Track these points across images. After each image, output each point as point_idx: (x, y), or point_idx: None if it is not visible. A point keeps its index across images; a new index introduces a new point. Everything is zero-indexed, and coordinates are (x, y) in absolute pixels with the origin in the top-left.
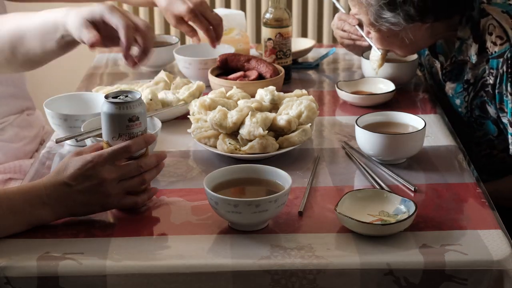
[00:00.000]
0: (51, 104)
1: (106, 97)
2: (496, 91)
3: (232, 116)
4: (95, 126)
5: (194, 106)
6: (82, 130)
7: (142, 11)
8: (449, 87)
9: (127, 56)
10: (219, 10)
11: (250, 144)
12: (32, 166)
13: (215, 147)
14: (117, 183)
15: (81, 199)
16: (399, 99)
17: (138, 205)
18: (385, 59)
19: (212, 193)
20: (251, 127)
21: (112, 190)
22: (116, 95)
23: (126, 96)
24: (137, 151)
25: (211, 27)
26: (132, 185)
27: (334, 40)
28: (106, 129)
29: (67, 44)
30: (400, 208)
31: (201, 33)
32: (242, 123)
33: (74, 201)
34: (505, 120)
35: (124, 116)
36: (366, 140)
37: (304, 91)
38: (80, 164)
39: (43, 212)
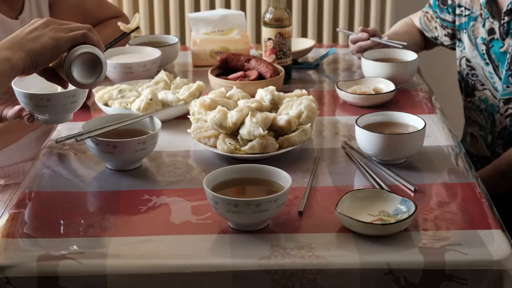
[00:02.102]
0: (21, 82)
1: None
2: None
3: (232, 116)
4: (95, 126)
5: (194, 106)
6: (82, 129)
7: (142, 11)
8: (508, 43)
9: None
10: (219, 10)
11: (250, 144)
12: (33, 166)
13: (215, 147)
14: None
15: (31, 36)
16: (399, 99)
17: (86, 36)
18: None
19: (212, 193)
20: (251, 127)
21: (56, 25)
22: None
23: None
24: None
25: None
26: (76, 28)
27: (334, 40)
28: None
29: None
30: (400, 208)
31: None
32: (242, 123)
33: (25, 39)
34: None
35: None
36: (366, 140)
37: (304, 91)
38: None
39: (2, 53)
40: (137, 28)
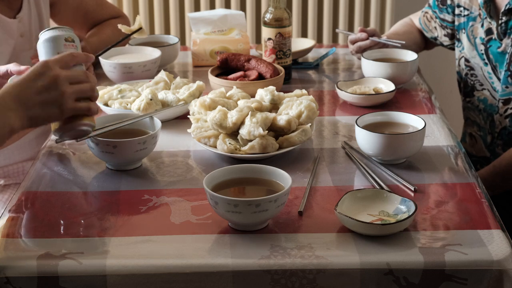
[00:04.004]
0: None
1: (42, 32)
2: None
3: (232, 116)
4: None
5: (194, 106)
6: None
7: (142, 11)
8: (506, 43)
9: None
10: (219, 10)
11: (250, 144)
12: (32, 166)
13: (215, 147)
14: (70, 84)
15: (38, 99)
16: (399, 99)
17: (91, 111)
18: None
19: (212, 193)
20: (251, 127)
21: (65, 88)
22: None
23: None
24: (81, 62)
25: None
26: (83, 90)
27: (334, 40)
28: (46, 54)
29: None
30: (400, 208)
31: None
32: (242, 123)
33: (33, 102)
34: None
35: (61, 37)
36: (366, 140)
37: (304, 91)
38: (32, 68)
39: (5, 119)
40: (140, 29)
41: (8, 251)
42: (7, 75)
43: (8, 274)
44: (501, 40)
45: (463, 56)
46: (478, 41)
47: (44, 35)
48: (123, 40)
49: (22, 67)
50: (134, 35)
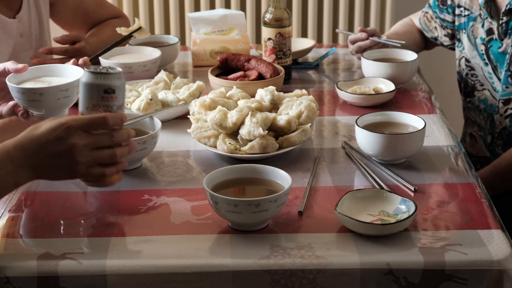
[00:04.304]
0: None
1: (87, 68)
2: None
3: (232, 116)
4: None
5: (194, 106)
6: None
7: (142, 11)
8: (506, 43)
9: None
10: (219, 10)
11: (250, 144)
12: None
13: (215, 147)
14: (88, 152)
15: (49, 163)
16: (399, 99)
17: (105, 176)
18: None
19: (212, 193)
20: (251, 127)
21: (80, 157)
22: (97, 67)
23: (107, 70)
24: (112, 125)
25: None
26: (102, 157)
27: (334, 40)
28: (81, 99)
29: None
30: (400, 208)
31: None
32: (242, 123)
33: (43, 164)
34: None
35: (100, 87)
36: (366, 140)
37: (304, 91)
38: (54, 125)
39: (14, 175)
40: (139, 28)
41: (8, 251)
42: (5, 73)
43: (8, 274)
44: (502, 40)
45: (463, 56)
46: (478, 41)
47: (84, 76)
48: (123, 40)
49: (20, 65)
50: (135, 35)
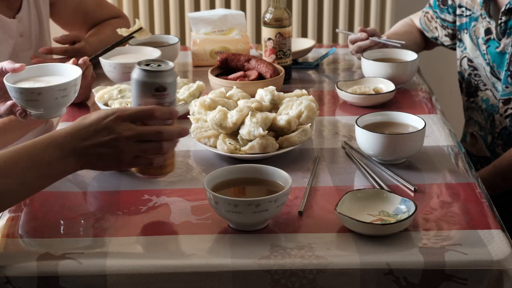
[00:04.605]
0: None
1: (138, 63)
2: None
3: (232, 116)
4: None
5: (194, 106)
6: None
7: (142, 11)
8: (505, 43)
9: None
10: (219, 10)
11: (250, 144)
12: None
13: (215, 147)
14: (134, 143)
15: (97, 151)
16: (399, 99)
17: (151, 165)
18: None
19: (212, 193)
20: (251, 127)
21: (126, 147)
22: (148, 62)
23: (159, 65)
24: (160, 119)
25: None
26: (148, 149)
27: (334, 40)
28: (133, 96)
29: None
30: (400, 208)
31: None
32: (242, 123)
33: (90, 152)
34: None
35: (152, 85)
36: (366, 140)
37: (304, 91)
38: (102, 115)
39: (62, 162)
40: (140, 29)
41: (8, 251)
42: (2, 72)
43: (8, 274)
44: (500, 40)
45: (465, 56)
46: (480, 41)
47: (136, 73)
48: (124, 41)
49: (17, 65)
50: (135, 36)
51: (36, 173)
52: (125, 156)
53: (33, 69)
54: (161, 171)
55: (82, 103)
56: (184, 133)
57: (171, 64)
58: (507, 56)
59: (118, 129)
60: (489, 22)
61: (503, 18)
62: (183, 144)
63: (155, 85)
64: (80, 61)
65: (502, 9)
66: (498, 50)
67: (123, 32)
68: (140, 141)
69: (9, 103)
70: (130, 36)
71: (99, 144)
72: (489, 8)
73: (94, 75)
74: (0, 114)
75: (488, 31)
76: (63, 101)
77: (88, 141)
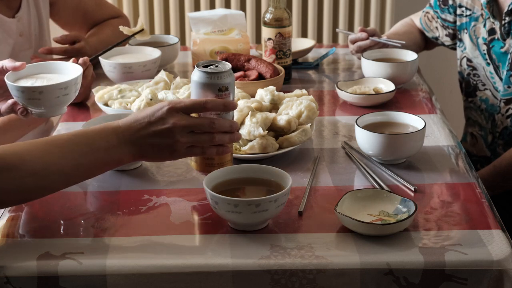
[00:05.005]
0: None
1: (197, 65)
2: None
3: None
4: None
5: None
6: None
7: (142, 11)
8: (509, 43)
9: None
10: (219, 10)
11: (250, 144)
12: None
13: None
14: (187, 133)
15: (152, 141)
16: (399, 99)
17: (204, 155)
18: None
19: (212, 193)
20: (251, 127)
21: (180, 137)
22: (206, 64)
23: (217, 66)
24: (212, 110)
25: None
26: (201, 140)
27: (334, 40)
28: (195, 97)
29: None
30: (400, 208)
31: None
32: (242, 123)
33: (145, 142)
34: None
35: (214, 86)
36: (366, 140)
37: (304, 91)
38: (157, 107)
39: (119, 150)
40: (142, 30)
41: (8, 251)
42: (3, 71)
43: (8, 274)
44: (504, 40)
45: (465, 56)
46: (480, 41)
47: (196, 75)
48: (124, 41)
49: (18, 63)
50: (136, 37)
51: (92, 158)
52: (178, 146)
53: (33, 67)
54: (221, 163)
55: (82, 103)
56: (235, 126)
57: (228, 64)
58: (509, 56)
59: (172, 119)
60: (493, 22)
61: (507, 19)
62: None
63: (218, 86)
64: (80, 61)
65: (505, 10)
66: (503, 50)
67: (125, 30)
68: (193, 132)
69: (10, 101)
70: (131, 37)
71: (154, 133)
72: (493, 8)
73: (94, 75)
74: (1, 112)
75: (492, 31)
76: (64, 100)
77: (143, 131)
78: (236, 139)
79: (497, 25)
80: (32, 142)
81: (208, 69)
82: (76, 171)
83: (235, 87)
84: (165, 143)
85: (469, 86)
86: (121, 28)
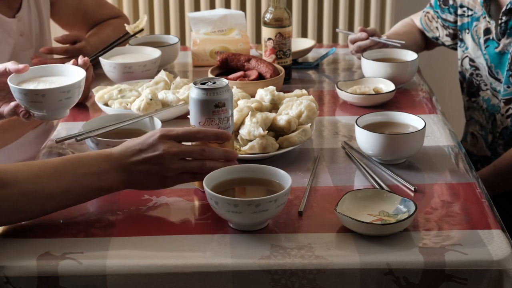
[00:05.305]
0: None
1: (195, 83)
2: None
3: None
4: (95, 126)
5: None
6: (82, 129)
7: (142, 11)
8: (504, 43)
9: None
10: (219, 10)
11: (250, 144)
12: None
13: None
14: (178, 160)
15: (142, 168)
16: (399, 99)
17: (196, 180)
18: None
19: (212, 193)
20: (251, 127)
21: (170, 164)
22: (203, 81)
23: (214, 83)
24: (203, 140)
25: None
26: (191, 167)
27: (334, 40)
28: (193, 114)
29: None
30: (400, 208)
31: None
32: (242, 123)
33: (136, 168)
34: None
35: (211, 102)
36: (366, 140)
37: (304, 91)
38: (149, 135)
39: (110, 176)
40: (142, 30)
41: (8, 251)
42: (6, 73)
43: (8, 274)
44: (499, 40)
45: (466, 56)
46: (482, 41)
47: (193, 92)
48: (125, 40)
49: (21, 66)
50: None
51: (82, 184)
52: (169, 173)
53: (36, 70)
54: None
55: (82, 104)
56: (228, 155)
57: (225, 80)
58: (508, 56)
59: (163, 146)
60: (488, 22)
61: (504, 18)
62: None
63: (214, 102)
64: (80, 62)
65: (503, 9)
66: (497, 50)
67: (128, 27)
68: (184, 159)
69: (12, 104)
70: (131, 36)
71: (144, 160)
72: (489, 8)
73: (93, 75)
74: (4, 115)
75: (487, 31)
76: (67, 103)
77: (134, 157)
78: (227, 157)
79: (492, 25)
80: (27, 163)
81: (204, 86)
82: (66, 195)
83: (235, 87)
84: (155, 169)
85: (471, 86)
86: (125, 25)
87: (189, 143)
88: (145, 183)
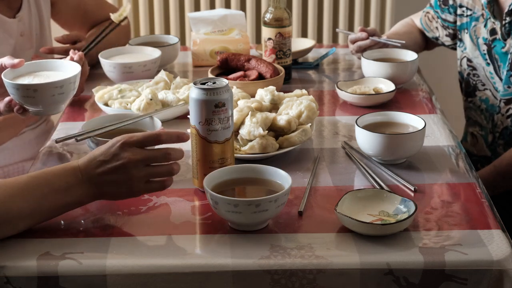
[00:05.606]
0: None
1: (195, 83)
2: None
3: None
4: (95, 126)
5: None
6: (82, 129)
7: (142, 11)
8: (510, 43)
9: None
10: (219, 10)
11: (250, 144)
12: (33, 166)
13: None
14: (144, 167)
15: (109, 178)
16: (399, 99)
17: (165, 188)
18: None
19: (212, 193)
20: (251, 127)
21: (136, 172)
22: (203, 81)
23: (214, 83)
24: (166, 143)
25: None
26: (159, 172)
27: (334, 40)
28: (193, 114)
29: None
30: (400, 208)
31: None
32: (242, 123)
33: (103, 180)
34: None
35: (211, 102)
36: (366, 140)
37: (304, 91)
38: (110, 143)
39: (78, 190)
40: (125, 18)
41: (8, 251)
42: (2, 68)
43: (8, 274)
44: (505, 40)
45: (465, 56)
46: (480, 41)
47: (193, 92)
48: (111, 30)
49: (16, 60)
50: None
51: (52, 200)
52: (136, 182)
53: (33, 65)
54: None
55: (82, 104)
56: (182, 137)
57: (225, 80)
58: (509, 56)
59: (125, 154)
60: (494, 22)
61: (507, 19)
62: (183, 144)
63: (214, 102)
64: (76, 57)
65: (506, 10)
66: (504, 50)
67: (116, 17)
68: (150, 165)
69: (6, 99)
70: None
71: (109, 170)
72: (493, 9)
73: (88, 69)
74: (1, 111)
75: (493, 32)
76: (60, 98)
77: (99, 169)
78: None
79: (497, 25)
80: (1, 182)
81: (204, 86)
82: (37, 213)
83: (235, 87)
84: (122, 179)
85: (468, 86)
86: (111, 15)
87: (153, 147)
88: (114, 194)
